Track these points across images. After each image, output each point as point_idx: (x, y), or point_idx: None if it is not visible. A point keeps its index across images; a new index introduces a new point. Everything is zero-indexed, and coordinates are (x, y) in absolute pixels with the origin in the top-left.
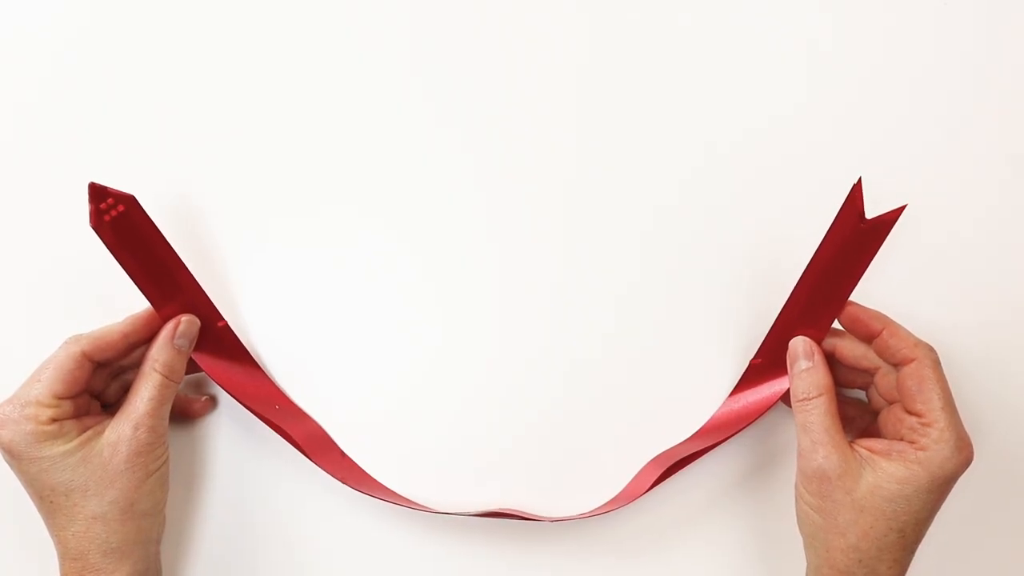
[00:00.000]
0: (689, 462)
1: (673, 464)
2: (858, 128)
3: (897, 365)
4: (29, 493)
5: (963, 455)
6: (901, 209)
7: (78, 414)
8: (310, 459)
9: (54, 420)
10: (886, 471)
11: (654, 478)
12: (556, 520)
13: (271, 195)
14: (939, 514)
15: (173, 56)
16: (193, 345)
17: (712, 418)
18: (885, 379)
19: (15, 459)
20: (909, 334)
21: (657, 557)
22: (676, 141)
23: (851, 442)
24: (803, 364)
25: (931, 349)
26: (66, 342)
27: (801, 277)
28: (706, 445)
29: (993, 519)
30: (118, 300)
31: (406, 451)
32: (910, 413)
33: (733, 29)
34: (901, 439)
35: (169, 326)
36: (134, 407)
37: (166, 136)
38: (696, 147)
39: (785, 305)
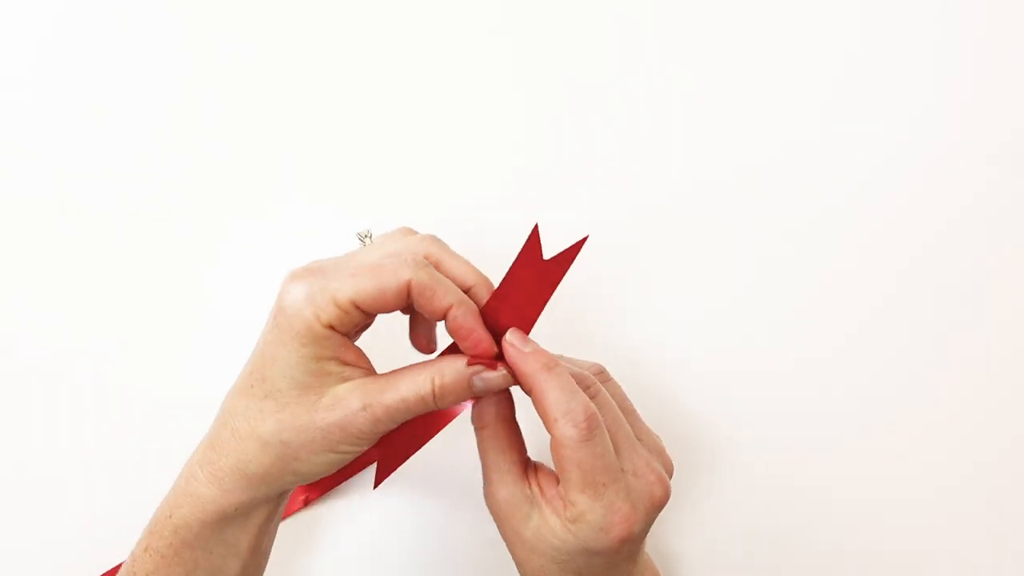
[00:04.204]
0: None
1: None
2: (854, 126)
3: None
4: (249, 366)
5: (612, 534)
6: (582, 242)
7: (353, 334)
8: None
9: (331, 328)
10: (548, 522)
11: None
12: None
13: (264, 193)
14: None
15: (160, 53)
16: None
17: None
18: None
19: (277, 325)
20: (556, 402)
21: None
22: (672, 143)
23: (531, 473)
24: (478, 384)
25: (576, 424)
26: (417, 263)
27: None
28: None
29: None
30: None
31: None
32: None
33: (731, 28)
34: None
35: (478, 366)
36: (381, 389)
37: (165, 134)
38: (696, 148)
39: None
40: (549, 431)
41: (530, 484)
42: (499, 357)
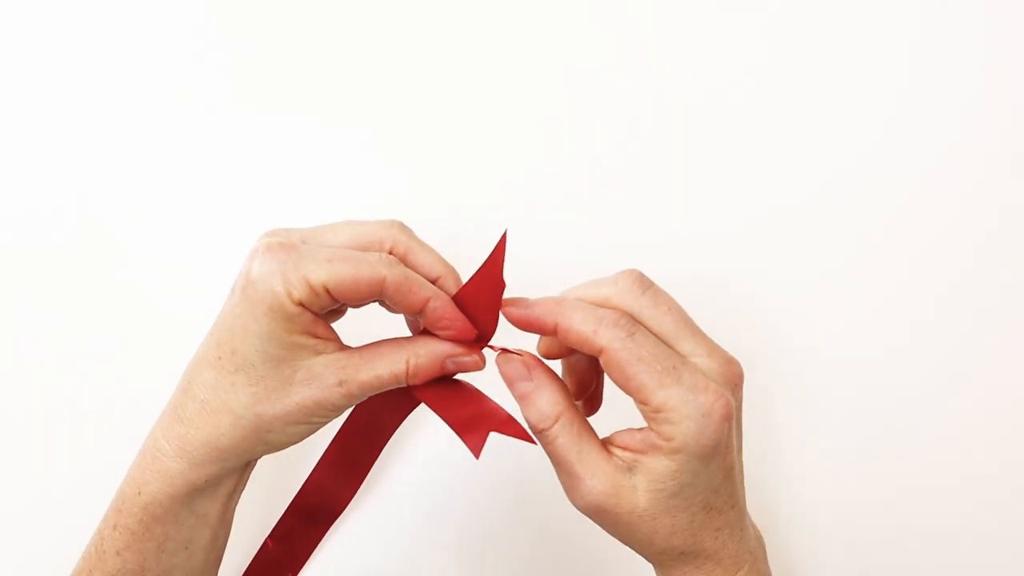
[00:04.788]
0: None
1: None
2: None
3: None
4: (214, 337)
5: (716, 417)
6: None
7: (320, 314)
8: None
9: (301, 305)
10: (655, 471)
11: None
12: None
13: (263, 194)
14: None
15: (159, 53)
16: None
17: None
18: None
19: (247, 298)
20: (584, 319)
21: None
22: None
23: (608, 447)
24: (524, 387)
25: (615, 324)
26: (391, 261)
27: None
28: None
29: None
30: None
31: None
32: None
33: (730, 25)
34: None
35: (459, 348)
36: (356, 367)
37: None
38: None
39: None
40: (594, 349)
41: (617, 456)
42: (478, 341)
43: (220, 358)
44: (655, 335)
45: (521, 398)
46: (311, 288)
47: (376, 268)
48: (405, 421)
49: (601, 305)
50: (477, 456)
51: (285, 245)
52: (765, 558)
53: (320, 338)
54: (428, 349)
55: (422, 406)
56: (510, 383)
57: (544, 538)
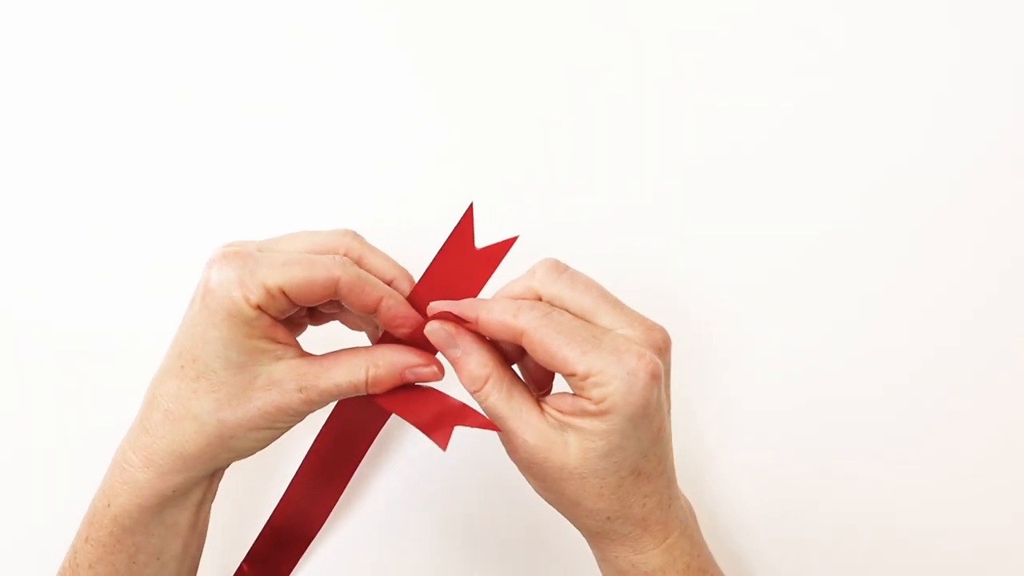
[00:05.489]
0: None
1: None
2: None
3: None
4: (176, 347)
5: (642, 376)
6: (513, 240)
7: (279, 318)
8: None
9: (259, 308)
10: (586, 430)
11: None
12: None
13: (254, 195)
14: None
15: (157, 56)
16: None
17: None
18: None
19: (206, 306)
20: (503, 308)
21: None
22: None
23: (544, 405)
24: (453, 353)
25: (532, 307)
26: (344, 262)
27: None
28: None
29: None
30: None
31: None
32: (563, 374)
33: (730, 24)
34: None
35: (420, 359)
36: (316, 374)
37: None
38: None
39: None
40: (515, 332)
41: (551, 415)
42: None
43: (183, 367)
44: (577, 314)
45: (454, 364)
46: (267, 291)
47: (330, 269)
48: (376, 440)
49: (523, 295)
50: (444, 448)
51: (241, 253)
52: (697, 528)
53: (280, 343)
54: (387, 360)
55: (392, 421)
56: (442, 351)
57: (529, 541)
